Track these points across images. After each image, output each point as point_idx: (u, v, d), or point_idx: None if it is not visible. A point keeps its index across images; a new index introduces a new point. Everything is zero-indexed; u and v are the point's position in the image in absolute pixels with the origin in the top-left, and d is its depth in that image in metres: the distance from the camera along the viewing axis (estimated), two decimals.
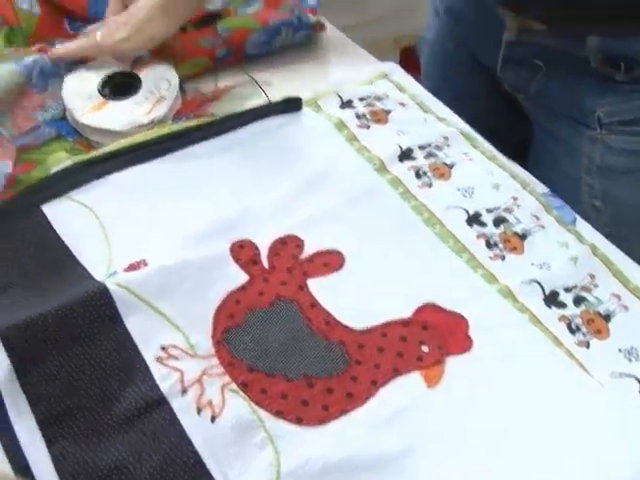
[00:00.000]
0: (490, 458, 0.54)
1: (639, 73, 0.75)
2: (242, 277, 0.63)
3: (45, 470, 0.51)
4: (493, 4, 0.83)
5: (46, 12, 0.88)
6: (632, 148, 0.80)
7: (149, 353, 0.57)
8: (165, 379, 0.56)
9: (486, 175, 0.75)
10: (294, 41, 0.91)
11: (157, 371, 0.56)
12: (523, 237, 0.69)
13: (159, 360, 0.57)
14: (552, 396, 0.57)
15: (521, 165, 0.78)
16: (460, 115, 0.82)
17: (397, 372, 0.58)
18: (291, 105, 0.79)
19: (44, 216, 0.67)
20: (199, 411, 0.54)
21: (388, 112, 0.81)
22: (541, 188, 0.75)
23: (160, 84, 0.79)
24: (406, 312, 0.62)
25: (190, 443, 0.52)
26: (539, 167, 0.78)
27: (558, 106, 0.83)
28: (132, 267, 0.62)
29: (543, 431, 0.55)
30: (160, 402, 0.54)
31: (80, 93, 0.78)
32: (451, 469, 0.53)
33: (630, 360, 0.60)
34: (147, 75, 0.80)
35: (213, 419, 0.54)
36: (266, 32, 0.89)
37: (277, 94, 0.82)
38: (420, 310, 0.62)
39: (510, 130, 0.84)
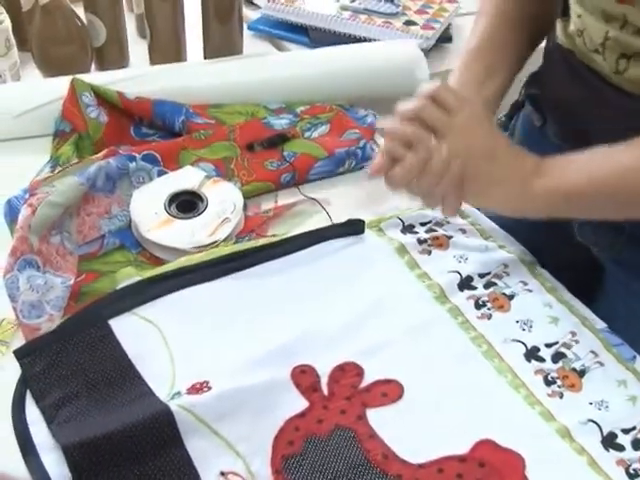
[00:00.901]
0: None
1: None
2: (302, 403, 0.64)
3: None
4: None
5: (113, 120, 0.94)
6: None
7: (208, 477, 0.58)
8: None
9: (545, 308, 0.75)
10: (355, 169, 0.94)
11: None
12: (581, 374, 0.69)
13: None
14: None
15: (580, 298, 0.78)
16: None
17: None
18: (354, 227, 0.81)
19: (111, 330, 0.69)
20: None
21: (449, 237, 0.83)
22: (600, 324, 0.75)
23: (225, 206, 0.82)
24: (463, 448, 0.62)
25: None
26: (619, 323, 0.75)
27: None
28: (195, 389, 0.63)
29: None
30: None
31: (147, 209, 0.81)
32: None
33: None
34: (213, 196, 0.83)
35: None
36: (331, 162, 0.92)
37: (334, 213, 0.85)
38: (477, 446, 0.62)
39: (576, 273, 0.82)
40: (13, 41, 1.01)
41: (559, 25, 0.83)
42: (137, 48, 1.18)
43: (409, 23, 1.22)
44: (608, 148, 0.69)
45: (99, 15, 1.08)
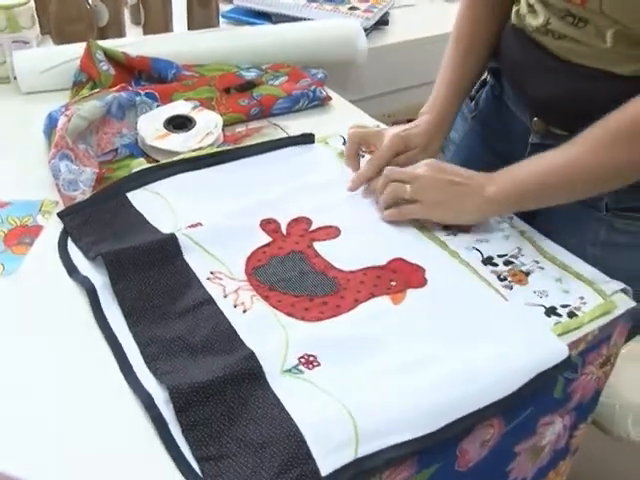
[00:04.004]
0: (428, 347, 0.77)
1: None
2: (267, 239, 0.90)
3: (128, 341, 0.76)
4: (523, 114, 1.06)
5: (119, 73, 1.21)
6: (632, 229, 0.98)
7: (202, 275, 0.83)
8: (212, 289, 0.81)
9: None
10: (308, 107, 1.22)
11: (207, 285, 0.82)
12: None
13: (209, 279, 0.83)
14: (477, 312, 0.82)
15: None
16: None
17: (373, 295, 0.83)
18: (306, 139, 1.08)
19: (127, 199, 0.94)
20: (235, 306, 0.79)
21: None
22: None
23: (209, 124, 1.08)
24: (382, 262, 0.88)
25: (228, 322, 0.77)
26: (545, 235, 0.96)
27: None
28: (192, 226, 0.89)
29: (465, 331, 0.80)
30: (209, 301, 0.79)
31: (150, 126, 1.07)
32: (401, 352, 0.76)
33: (541, 297, 0.85)
34: (200, 118, 1.09)
35: (244, 311, 0.79)
36: (289, 100, 1.19)
37: (293, 134, 1.12)
38: (391, 261, 0.88)
39: None
40: (36, 17, 1.27)
41: (513, 9, 1.06)
42: (132, 32, 1.45)
43: (353, 9, 1.51)
44: (544, 152, 0.91)
45: (103, 0, 1.35)
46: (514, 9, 1.06)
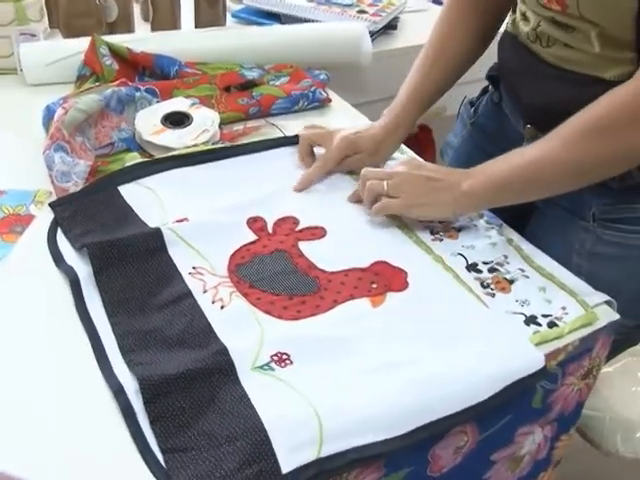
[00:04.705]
0: (403, 350, 0.77)
1: (631, 182, 0.93)
2: (253, 237, 0.91)
3: (106, 332, 0.77)
4: (517, 121, 1.07)
5: (122, 67, 1.22)
6: (619, 241, 0.97)
7: (184, 270, 0.84)
8: (193, 284, 0.82)
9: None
10: (308, 108, 1.22)
11: (188, 279, 0.82)
12: (459, 230, 0.95)
13: (190, 274, 0.83)
14: (455, 318, 0.82)
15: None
16: None
17: (352, 297, 0.83)
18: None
19: (119, 192, 0.95)
20: (213, 302, 0.80)
21: None
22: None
23: (206, 121, 1.09)
24: (364, 264, 0.88)
25: (205, 317, 0.78)
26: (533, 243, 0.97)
27: (560, 200, 0.97)
28: (178, 221, 0.89)
29: (444, 337, 0.79)
30: (188, 295, 0.80)
31: (148, 121, 1.08)
32: (375, 355, 0.76)
33: (522, 305, 0.85)
34: (197, 115, 1.10)
35: (222, 307, 0.79)
36: (288, 100, 1.20)
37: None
38: (374, 264, 0.88)
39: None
40: (45, 10, 1.29)
41: (509, 18, 1.08)
42: (141, 28, 1.47)
43: (361, 12, 1.51)
44: (522, 147, 0.92)
45: None
46: (510, 18, 1.07)
